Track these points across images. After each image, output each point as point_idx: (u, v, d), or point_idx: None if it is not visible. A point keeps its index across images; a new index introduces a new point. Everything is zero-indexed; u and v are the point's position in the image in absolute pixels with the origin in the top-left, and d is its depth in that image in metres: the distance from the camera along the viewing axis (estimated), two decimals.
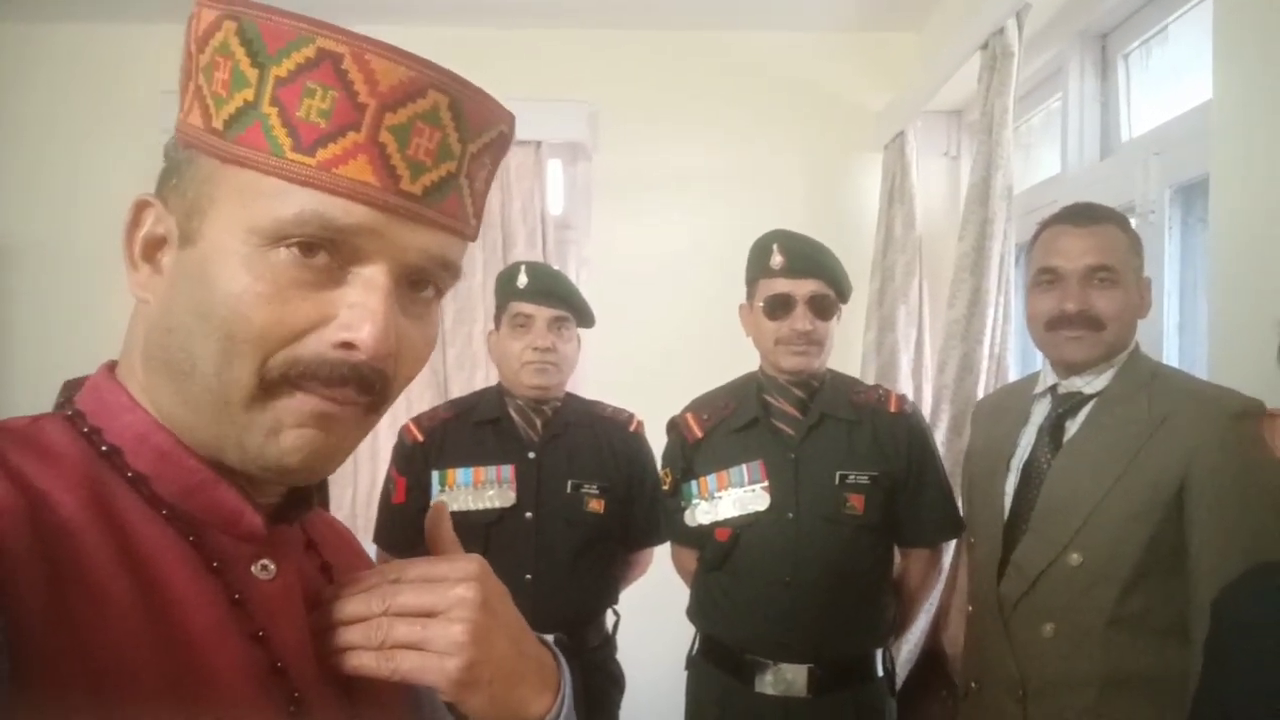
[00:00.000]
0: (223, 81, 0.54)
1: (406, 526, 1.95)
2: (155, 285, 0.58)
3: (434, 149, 0.56)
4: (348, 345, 0.54)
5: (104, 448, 0.55)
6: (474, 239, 0.63)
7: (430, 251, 0.57)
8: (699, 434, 1.88)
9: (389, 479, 2.02)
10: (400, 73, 0.53)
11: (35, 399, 0.56)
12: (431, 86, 0.55)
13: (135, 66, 2.88)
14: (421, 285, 0.59)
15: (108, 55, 2.96)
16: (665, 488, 1.94)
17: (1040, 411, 1.58)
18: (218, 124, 0.55)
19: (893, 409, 1.84)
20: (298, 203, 0.53)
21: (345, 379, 0.55)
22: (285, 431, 0.55)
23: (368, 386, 0.56)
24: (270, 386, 0.54)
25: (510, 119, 0.63)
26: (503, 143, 0.63)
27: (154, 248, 0.59)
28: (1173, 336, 1.94)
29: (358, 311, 0.54)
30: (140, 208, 0.59)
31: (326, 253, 0.54)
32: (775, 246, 1.79)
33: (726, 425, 1.86)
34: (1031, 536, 1.49)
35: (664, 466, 1.96)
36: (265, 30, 0.53)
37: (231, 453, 0.56)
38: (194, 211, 0.56)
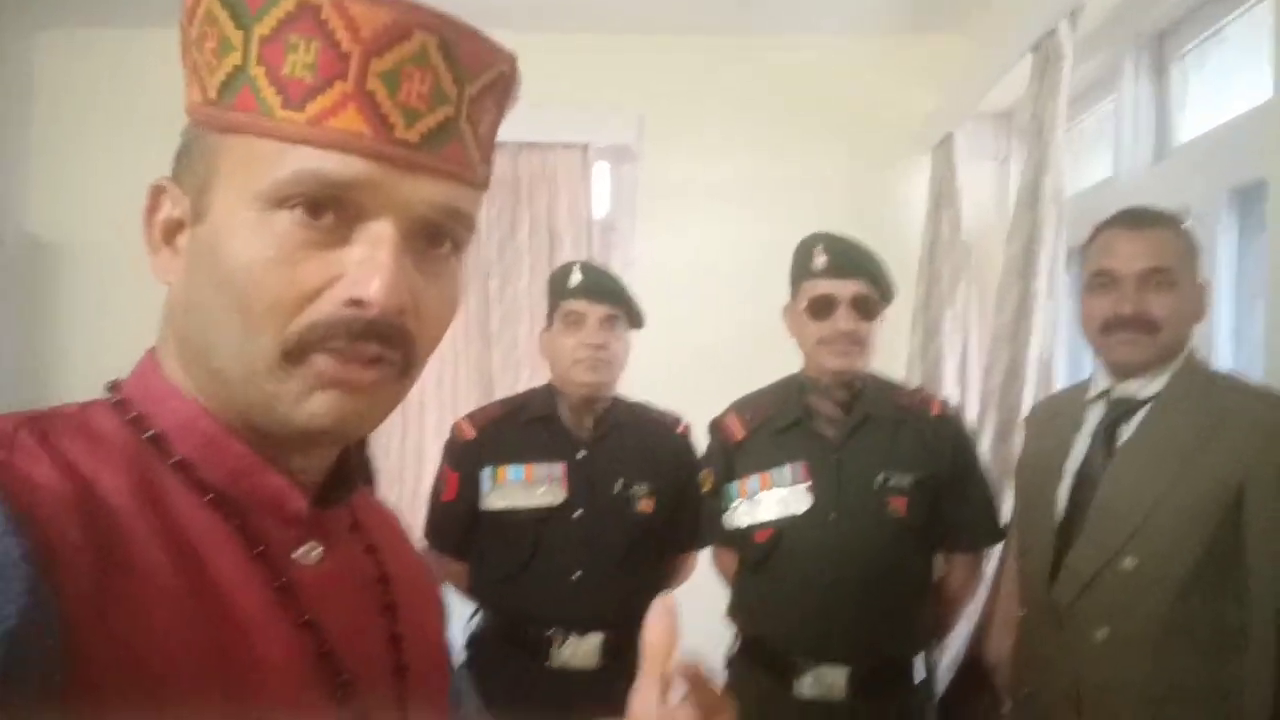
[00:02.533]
0: (212, 50, 0.54)
1: (456, 523, 1.98)
2: (176, 267, 0.58)
3: (427, 93, 0.53)
4: (357, 302, 0.53)
5: (147, 433, 0.55)
6: (484, 187, 0.61)
7: (436, 202, 0.55)
8: (741, 435, 1.89)
9: (440, 476, 2.04)
10: (381, 15, 0.51)
11: (88, 397, 0.58)
12: (417, 27, 0.52)
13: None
14: (437, 241, 0.58)
15: (159, 59, 3.02)
16: (706, 489, 1.95)
17: (1094, 417, 1.57)
18: (212, 94, 0.54)
19: (935, 412, 1.83)
20: (293, 161, 0.52)
21: (364, 335, 0.53)
22: (313, 395, 0.54)
23: (388, 342, 0.54)
24: (292, 354, 0.53)
25: (511, 59, 0.60)
26: (505, 84, 0.60)
27: (172, 231, 0.58)
28: (1228, 343, 1.90)
29: (365, 268, 0.53)
30: (157, 193, 0.59)
31: (332, 212, 0.53)
32: (819, 247, 1.80)
33: (769, 426, 1.86)
34: (1085, 540, 1.48)
35: (705, 467, 1.96)
36: None
37: (262, 419, 0.56)
38: (203, 188, 0.55)
